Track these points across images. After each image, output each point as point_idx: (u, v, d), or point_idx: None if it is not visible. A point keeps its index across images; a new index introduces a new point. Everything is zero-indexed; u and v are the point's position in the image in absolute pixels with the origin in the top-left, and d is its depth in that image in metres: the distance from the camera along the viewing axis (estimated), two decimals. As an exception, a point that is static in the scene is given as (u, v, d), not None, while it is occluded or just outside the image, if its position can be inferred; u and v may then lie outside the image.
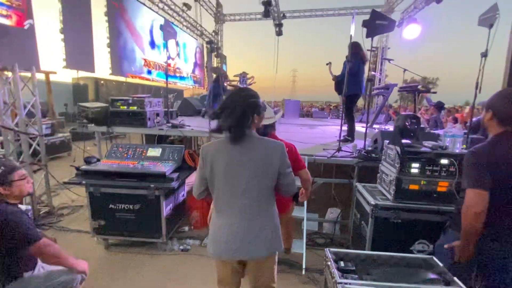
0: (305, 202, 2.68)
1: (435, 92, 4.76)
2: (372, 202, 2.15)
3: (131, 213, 2.69)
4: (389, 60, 5.23)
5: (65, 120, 10.02)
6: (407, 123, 2.16)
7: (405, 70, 5.10)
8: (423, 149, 2.11)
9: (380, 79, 12.55)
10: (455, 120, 7.66)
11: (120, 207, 2.69)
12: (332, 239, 3.07)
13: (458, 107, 13.00)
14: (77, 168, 2.70)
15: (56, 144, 6.66)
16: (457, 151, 2.07)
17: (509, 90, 1.50)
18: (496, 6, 2.89)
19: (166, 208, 2.71)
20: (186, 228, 3.24)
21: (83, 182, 2.61)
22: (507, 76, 3.20)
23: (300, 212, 2.66)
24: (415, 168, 2.10)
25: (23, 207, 1.80)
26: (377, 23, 2.98)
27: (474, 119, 3.57)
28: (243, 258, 1.39)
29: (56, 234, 3.05)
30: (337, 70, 4.10)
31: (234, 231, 1.34)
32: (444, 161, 2.06)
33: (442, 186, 2.10)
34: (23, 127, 3.34)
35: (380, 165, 2.46)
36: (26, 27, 3.27)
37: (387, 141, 2.36)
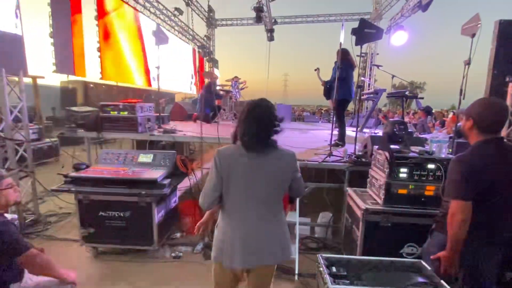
0: (298, 207, 2.71)
1: (422, 98, 4.91)
2: (363, 206, 2.19)
3: (121, 221, 2.65)
4: (378, 66, 5.38)
5: (53, 124, 9.80)
6: (395, 129, 2.22)
7: (393, 76, 5.24)
8: (410, 154, 2.17)
9: (369, 84, 12.82)
10: (443, 124, 7.88)
11: (110, 214, 2.65)
12: (325, 243, 3.10)
13: (444, 111, 13.38)
14: (66, 176, 2.64)
15: (43, 149, 6.50)
16: (443, 156, 2.14)
17: (489, 99, 1.57)
18: (478, 16, 3.02)
19: (157, 215, 2.68)
20: (178, 235, 3.21)
21: (72, 189, 2.56)
22: (489, 85, 3.34)
23: (292, 216, 2.67)
24: (403, 173, 2.15)
25: (8, 215, 1.75)
26: (365, 32, 3.06)
27: (459, 124, 3.69)
28: (255, 265, 1.39)
29: (43, 243, 2.97)
30: (327, 75, 4.18)
31: (249, 240, 1.35)
32: (431, 166, 2.12)
33: (430, 190, 2.16)
34: (9, 132, 3.25)
35: (370, 169, 2.51)
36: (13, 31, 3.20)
37: (376, 147, 2.41)
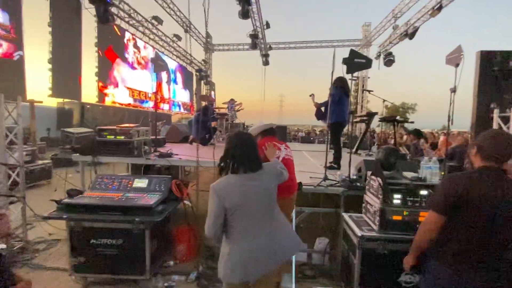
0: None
1: (412, 122, 5.06)
2: (359, 233, 2.19)
3: (113, 249, 2.57)
4: (369, 91, 5.57)
5: (47, 145, 9.71)
6: (386, 156, 2.28)
7: (384, 100, 5.43)
8: (403, 180, 2.22)
9: (361, 106, 13.18)
10: (435, 146, 8.02)
11: (102, 242, 2.58)
12: (322, 271, 3.03)
13: (435, 132, 13.68)
14: (58, 202, 2.60)
15: (35, 172, 6.38)
16: (434, 182, 2.19)
17: (496, 131, 1.67)
18: (460, 47, 3.22)
19: (151, 243, 2.62)
20: (171, 263, 3.12)
21: (65, 216, 2.51)
22: (475, 111, 3.49)
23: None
24: (397, 199, 2.18)
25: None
26: (355, 61, 3.22)
27: (449, 146, 3.80)
28: (272, 269, 1.59)
29: (30, 272, 2.85)
30: (319, 97, 4.35)
31: (262, 250, 1.54)
32: (423, 192, 2.16)
33: (423, 216, 2.17)
34: (3, 156, 3.23)
35: (364, 195, 2.53)
36: (15, 58, 3.29)
37: (370, 172, 2.46)
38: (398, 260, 2.17)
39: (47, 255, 3.29)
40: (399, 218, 2.19)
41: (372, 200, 2.34)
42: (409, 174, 2.32)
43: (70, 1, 6.68)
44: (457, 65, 3.28)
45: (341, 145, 4.34)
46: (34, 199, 4.25)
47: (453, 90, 3.31)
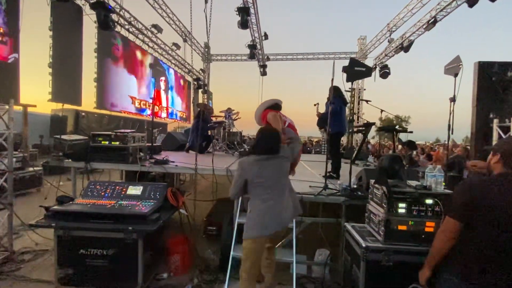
0: (294, 244, 2.57)
1: (411, 132, 5.06)
2: (363, 244, 2.10)
3: (103, 260, 2.43)
4: (366, 101, 5.59)
5: (39, 152, 9.49)
6: (390, 163, 2.22)
7: (382, 110, 5.43)
8: (407, 189, 2.15)
9: (358, 117, 13.27)
10: (429, 158, 8.05)
11: (91, 252, 2.44)
12: (323, 284, 2.90)
13: (430, 145, 13.80)
14: (47, 209, 2.47)
15: (25, 179, 6.18)
16: (439, 190, 2.13)
17: None
18: (459, 57, 3.25)
19: (144, 253, 2.49)
20: (165, 275, 2.96)
21: (52, 224, 2.37)
22: (475, 120, 3.49)
23: (288, 255, 2.53)
24: (402, 208, 2.11)
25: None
26: (355, 69, 3.22)
27: (450, 156, 3.78)
28: (280, 229, 2.12)
29: (14, 285, 2.67)
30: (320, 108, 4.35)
31: (273, 213, 2.03)
32: (429, 201, 2.09)
33: (430, 226, 2.10)
34: (-9, 162, 3.10)
35: (367, 204, 2.45)
36: (10, 61, 3.21)
37: (373, 181, 2.39)
38: (404, 272, 2.09)
39: (33, 266, 3.11)
40: (404, 228, 2.11)
41: (376, 210, 2.26)
42: (413, 183, 2.25)
43: (71, 7, 6.68)
44: (456, 75, 3.30)
45: (340, 155, 4.29)
46: (23, 207, 4.09)
47: (453, 100, 3.31)
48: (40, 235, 3.71)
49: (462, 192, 1.44)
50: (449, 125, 3.31)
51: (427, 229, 2.10)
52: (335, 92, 3.64)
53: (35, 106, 4.53)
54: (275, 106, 2.74)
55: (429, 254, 1.57)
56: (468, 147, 5.87)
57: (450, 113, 3.29)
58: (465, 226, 1.40)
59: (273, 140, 2.14)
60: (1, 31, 4.01)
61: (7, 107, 3.23)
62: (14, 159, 3.99)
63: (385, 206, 2.11)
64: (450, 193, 2.01)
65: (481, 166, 2.05)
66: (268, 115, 2.54)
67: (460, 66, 3.23)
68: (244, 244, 2.06)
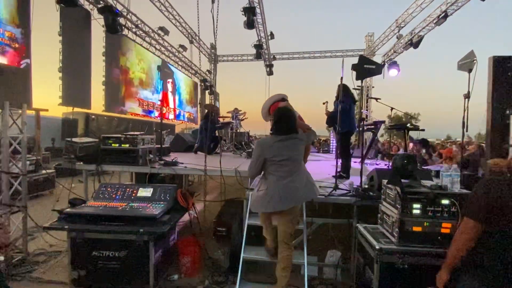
0: (305, 246, 2.54)
1: (423, 130, 4.92)
2: (377, 246, 2.05)
3: (116, 261, 2.46)
4: (376, 99, 5.47)
5: (51, 155, 9.70)
6: (404, 163, 2.17)
7: (392, 108, 5.32)
8: (422, 189, 2.09)
9: (367, 116, 13.08)
10: (440, 156, 7.86)
11: (104, 254, 2.46)
12: (334, 286, 2.86)
13: (442, 142, 13.48)
14: (60, 212, 2.51)
15: (39, 181, 6.33)
16: (456, 190, 2.06)
17: None
18: (473, 52, 3.15)
19: (155, 255, 2.50)
20: (176, 276, 2.97)
21: (66, 227, 2.41)
22: (491, 117, 3.37)
23: (299, 257, 2.50)
24: (416, 209, 2.05)
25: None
26: (365, 67, 3.16)
27: (465, 153, 3.66)
28: (294, 205, 2.23)
29: (29, 286, 2.73)
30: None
31: (287, 189, 2.16)
32: (445, 201, 2.03)
33: (446, 227, 2.03)
34: (6, 165, 3.17)
35: (380, 205, 2.40)
36: (22, 66, 3.29)
37: (386, 181, 2.33)
38: (420, 274, 2.04)
39: (47, 267, 3.17)
40: (419, 229, 2.05)
41: (389, 210, 2.20)
42: (427, 183, 2.19)
43: (79, 11, 6.79)
44: (470, 71, 3.20)
45: (350, 154, 4.22)
46: (37, 209, 4.18)
47: (467, 96, 3.22)
48: (54, 236, 3.78)
49: (482, 192, 1.39)
50: (463, 122, 3.22)
51: (443, 231, 2.03)
52: (344, 90, 3.57)
53: (47, 110, 4.64)
54: (283, 100, 2.80)
55: (447, 256, 1.52)
56: (482, 144, 5.70)
57: (464, 110, 3.19)
58: (485, 227, 1.35)
59: (291, 120, 2.28)
60: (14, 37, 4.11)
61: (20, 111, 3.30)
62: (28, 162, 4.09)
63: (398, 206, 2.06)
64: (468, 193, 1.94)
65: (502, 165, 1.98)
66: (280, 105, 2.62)
67: (475, 61, 3.13)
68: (261, 217, 2.43)
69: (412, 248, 2.03)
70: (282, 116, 2.28)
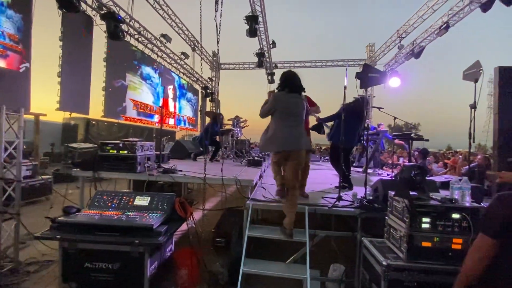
0: (308, 260, 2.43)
1: (427, 140, 4.86)
2: (384, 262, 1.94)
3: (109, 274, 2.34)
4: (379, 108, 5.42)
5: (50, 160, 9.62)
6: (412, 174, 2.08)
7: (395, 118, 5.26)
8: (432, 202, 2.00)
9: (368, 124, 13.03)
10: (445, 166, 7.75)
11: (97, 266, 2.34)
12: (337, 302, 2.72)
13: (444, 153, 13.36)
14: (53, 220, 2.41)
15: (35, 187, 6.21)
16: (467, 204, 1.97)
17: None
18: (479, 62, 3.10)
19: (150, 267, 2.38)
20: (172, 290, 2.84)
21: (57, 236, 2.30)
22: (497, 127, 3.31)
23: (301, 271, 2.38)
24: (426, 223, 1.95)
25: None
26: (369, 76, 3.11)
27: (472, 164, 3.57)
28: (294, 149, 2.64)
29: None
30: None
31: (290, 135, 2.63)
32: (455, 215, 1.93)
33: (457, 243, 1.94)
34: (0, 171, 3.08)
35: (386, 218, 2.30)
36: (21, 70, 3.25)
37: (393, 192, 2.24)
38: (430, 294, 1.93)
39: (38, 278, 3.04)
40: (428, 244, 1.95)
41: (397, 224, 2.10)
42: (437, 195, 2.10)
43: (81, 17, 6.82)
44: (476, 81, 3.15)
45: (350, 164, 4.12)
46: (31, 216, 4.06)
47: (473, 106, 3.15)
48: (46, 245, 3.66)
49: (498, 206, 1.31)
50: (470, 133, 3.15)
51: (454, 246, 1.94)
52: (354, 103, 3.53)
53: (45, 115, 4.58)
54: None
55: (460, 274, 1.42)
56: (486, 155, 5.62)
57: (471, 121, 3.13)
58: (502, 244, 1.26)
59: (297, 79, 2.75)
60: (16, 39, 4.06)
61: (18, 115, 3.23)
62: (24, 167, 3.99)
63: (407, 220, 1.96)
64: (481, 207, 1.85)
65: (509, 177, 1.90)
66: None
67: (481, 71, 3.08)
68: (273, 166, 2.88)
69: (421, 265, 1.93)
70: (290, 76, 2.74)
